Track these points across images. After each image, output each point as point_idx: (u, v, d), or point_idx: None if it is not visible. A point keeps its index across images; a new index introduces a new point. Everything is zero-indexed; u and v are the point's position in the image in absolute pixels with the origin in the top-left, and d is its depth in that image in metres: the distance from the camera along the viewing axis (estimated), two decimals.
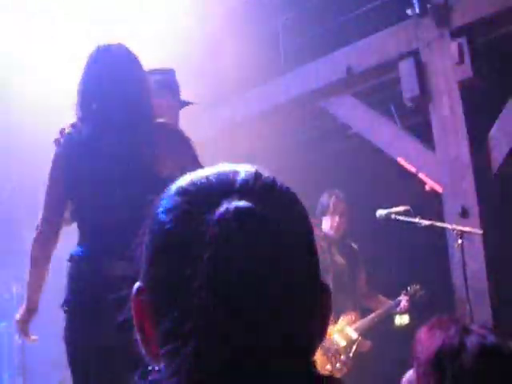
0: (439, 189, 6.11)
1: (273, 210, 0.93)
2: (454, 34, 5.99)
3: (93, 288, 3.11)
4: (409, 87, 6.23)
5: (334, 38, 6.89)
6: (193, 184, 0.97)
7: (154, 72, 4.06)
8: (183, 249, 0.90)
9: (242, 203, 0.90)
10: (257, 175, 0.98)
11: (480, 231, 5.18)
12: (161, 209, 0.97)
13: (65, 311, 3.28)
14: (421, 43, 6.24)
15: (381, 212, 5.29)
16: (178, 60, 6.08)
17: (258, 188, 0.95)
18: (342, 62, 6.78)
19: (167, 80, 4.36)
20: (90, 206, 3.26)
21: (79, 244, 3.35)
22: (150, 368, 0.98)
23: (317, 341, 0.96)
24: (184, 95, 4.41)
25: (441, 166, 6.08)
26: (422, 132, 6.44)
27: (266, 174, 0.99)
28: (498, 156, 5.81)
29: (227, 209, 0.90)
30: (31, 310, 3.59)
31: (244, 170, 0.98)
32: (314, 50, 7.03)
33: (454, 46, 5.91)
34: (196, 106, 4.58)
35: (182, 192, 0.97)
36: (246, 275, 0.86)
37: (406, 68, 6.26)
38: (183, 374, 0.86)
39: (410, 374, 1.90)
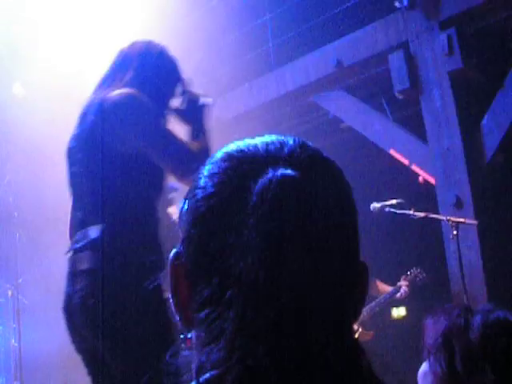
0: (432, 180, 6.12)
1: (318, 181, 0.93)
2: (443, 26, 5.99)
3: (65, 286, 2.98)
4: (399, 79, 6.23)
5: (324, 32, 6.88)
6: (239, 151, 0.97)
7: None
8: (227, 214, 0.90)
9: (288, 171, 0.90)
10: (303, 145, 0.97)
11: (475, 222, 5.18)
12: (205, 173, 0.97)
13: None
14: (410, 35, 6.24)
15: (375, 205, 5.28)
16: None
17: (304, 158, 0.95)
18: (331, 55, 6.78)
19: None
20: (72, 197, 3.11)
21: None
22: (181, 335, 0.99)
23: (352, 317, 0.96)
24: None
25: (433, 157, 6.08)
26: (414, 124, 6.43)
27: (311, 145, 0.98)
28: (490, 146, 5.81)
29: (273, 176, 0.89)
30: None
31: (291, 140, 0.98)
32: (303, 44, 7.02)
33: (443, 38, 5.92)
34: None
35: (228, 158, 0.97)
36: (290, 242, 0.87)
37: (395, 60, 6.26)
38: (226, 337, 0.86)
39: (423, 365, 1.92)
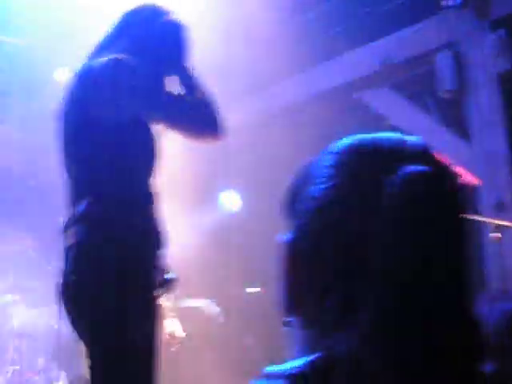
0: (475, 181, 6.06)
1: (446, 178, 0.97)
2: (494, 26, 5.93)
3: None
4: (446, 79, 6.18)
5: (371, 28, 6.84)
6: (362, 145, 0.99)
7: None
8: (359, 205, 0.92)
9: (424, 167, 0.92)
10: (422, 144, 1.00)
11: None
12: (328, 163, 0.98)
13: None
14: (459, 35, 6.19)
15: None
16: (212, 50, 6.10)
17: (426, 156, 0.98)
18: (379, 52, 6.75)
19: None
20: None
21: None
22: (284, 320, 0.99)
23: None
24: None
25: (477, 158, 6.03)
26: (458, 124, 6.38)
27: (425, 143, 1.01)
28: None
29: (410, 171, 0.91)
30: None
31: (409, 137, 1.01)
32: (350, 40, 6.99)
33: (493, 38, 5.85)
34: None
35: (354, 151, 0.98)
36: (435, 235, 0.88)
37: (443, 60, 6.20)
38: (360, 326, 0.85)
39: None
